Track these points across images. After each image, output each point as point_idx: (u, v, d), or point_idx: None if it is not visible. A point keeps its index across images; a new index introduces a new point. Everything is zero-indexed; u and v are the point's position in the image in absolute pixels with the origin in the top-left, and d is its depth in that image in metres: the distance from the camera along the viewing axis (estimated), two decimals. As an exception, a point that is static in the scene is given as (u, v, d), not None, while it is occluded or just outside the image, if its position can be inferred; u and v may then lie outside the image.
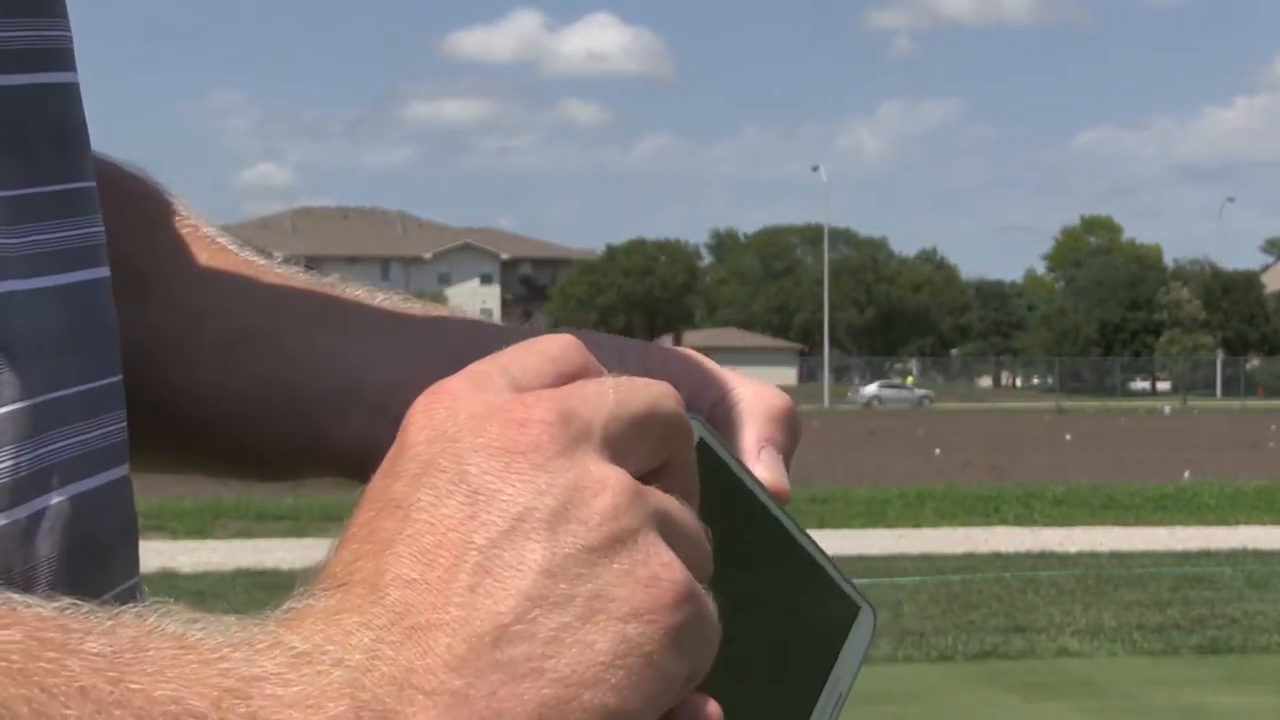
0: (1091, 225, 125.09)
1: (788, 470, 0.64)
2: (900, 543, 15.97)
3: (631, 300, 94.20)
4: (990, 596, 12.22)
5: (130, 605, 0.46)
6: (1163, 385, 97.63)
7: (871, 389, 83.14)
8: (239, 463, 0.77)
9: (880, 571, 13.31)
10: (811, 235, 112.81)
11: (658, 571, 0.47)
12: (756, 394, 0.66)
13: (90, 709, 0.42)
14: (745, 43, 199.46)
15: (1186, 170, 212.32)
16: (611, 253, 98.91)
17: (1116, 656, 10.05)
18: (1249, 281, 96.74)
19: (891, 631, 10.44)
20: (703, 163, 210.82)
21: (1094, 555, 15.03)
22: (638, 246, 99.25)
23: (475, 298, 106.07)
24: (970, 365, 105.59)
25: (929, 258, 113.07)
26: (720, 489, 0.56)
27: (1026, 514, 18.93)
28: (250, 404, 0.74)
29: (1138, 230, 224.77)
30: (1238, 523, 18.19)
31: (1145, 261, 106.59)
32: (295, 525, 17.01)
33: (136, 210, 0.77)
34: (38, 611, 0.45)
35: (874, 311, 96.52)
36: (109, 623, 0.45)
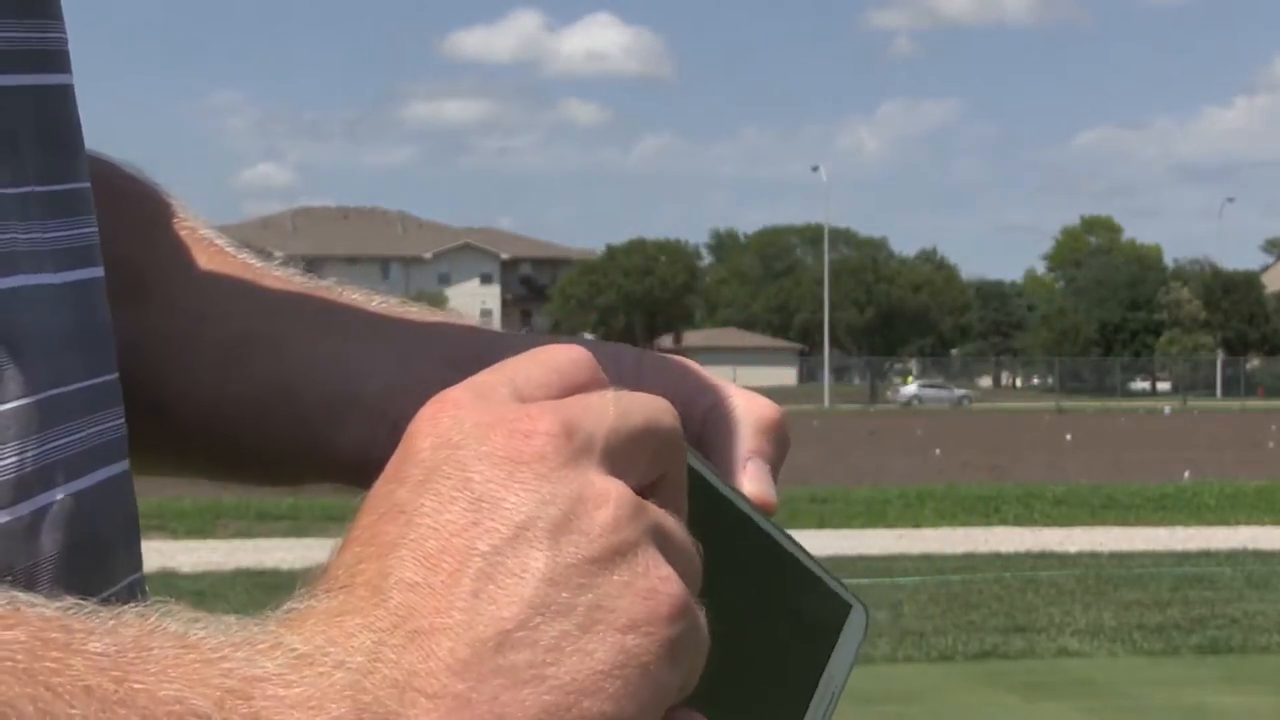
0: (1091, 225, 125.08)
1: (775, 480, 0.65)
2: (900, 543, 15.97)
3: (631, 300, 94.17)
4: (990, 596, 12.23)
5: (132, 604, 0.46)
6: (1163, 385, 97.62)
7: (911, 389, 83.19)
8: (237, 467, 0.77)
9: (880, 571, 13.31)
10: (811, 235, 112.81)
11: (656, 585, 0.48)
12: (748, 404, 0.66)
13: (95, 708, 0.43)
14: (745, 43, 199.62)
15: (1186, 170, 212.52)
16: (611, 253, 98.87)
17: (1116, 656, 10.05)
18: (1249, 281, 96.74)
19: (891, 631, 10.45)
20: (703, 163, 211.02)
21: (1094, 555, 15.03)
22: (638, 246, 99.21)
23: (475, 298, 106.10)
24: (970, 365, 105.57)
25: (929, 258, 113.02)
26: (701, 501, 0.56)
27: (1026, 514, 18.94)
28: (249, 408, 0.74)
29: (1138, 230, 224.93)
30: (1238, 523, 18.19)
31: (1145, 261, 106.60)
32: (295, 525, 17.02)
33: (135, 211, 0.77)
34: (41, 612, 0.45)
35: (874, 311, 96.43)
36: (111, 622, 0.45)
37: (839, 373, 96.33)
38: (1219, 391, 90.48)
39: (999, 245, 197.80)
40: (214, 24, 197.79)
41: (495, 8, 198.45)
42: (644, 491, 0.51)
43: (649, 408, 0.52)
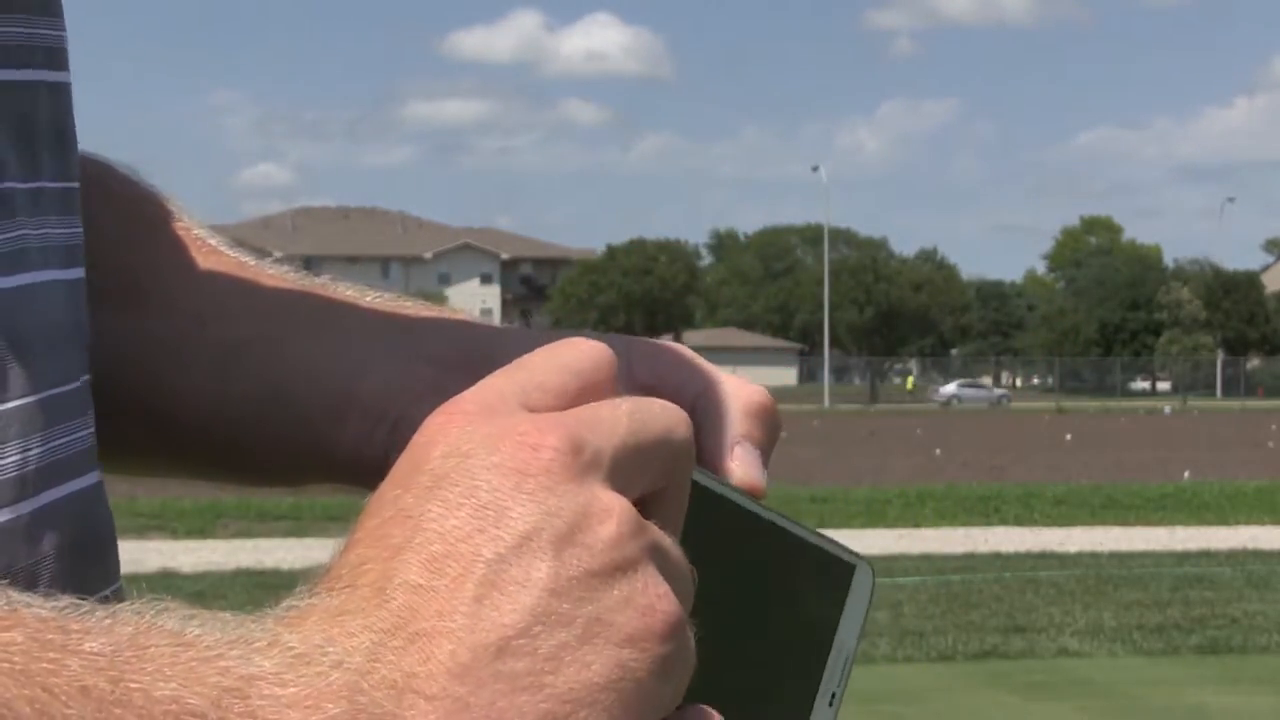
0: (1091, 225, 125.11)
1: (766, 466, 0.65)
2: (900, 543, 15.97)
3: (631, 300, 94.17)
4: (990, 596, 12.22)
5: (128, 602, 0.46)
6: (1163, 385, 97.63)
7: (950, 388, 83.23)
8: (237, 468, 0.77)
9: (880, 571, 13.03)
10: (811, 235, 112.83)
11: (654, 602, 0.48)
12: (737, 389, 0.67)
13: (91, 708, 0.43)
14: (745, 43, 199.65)
15: (1186, 170, 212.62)
16: (611, 253, 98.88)
17: (1116, 656, 10.05)
18: (1249, 281, 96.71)
19: (891, 631, 10.45)
20: (703, 163, 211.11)
21: (1094, 555, 15.03)
22: (638, 246, 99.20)
23: (475, 298, 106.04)
24: (970, 365, 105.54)
25: (929, 258, 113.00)
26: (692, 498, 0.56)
27: (1026, 514, 18.93)
28: (248, 409, 0.74)
29: (1138, 230, 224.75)
30: (1238, 523, 18.19)
31: (1145, 261, 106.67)
32: (296, 525, 17.02)
33: (133, 213, 0.78)
34: (38, 612, 0.45)
35: (874, 311, 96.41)
36: (108, 621, 0.45)
37: (839, 373, 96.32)
38: (1219, 391, 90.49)
39: (999, 245, 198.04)
40: (214, 24, 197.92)
41: (495, 8, 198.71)
42: (647, 500, 0.51)
43: (663, 420, 0.52)
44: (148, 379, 0.74)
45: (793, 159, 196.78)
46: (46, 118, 0.62)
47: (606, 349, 0.54)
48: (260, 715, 0.44)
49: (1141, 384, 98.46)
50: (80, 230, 0.64)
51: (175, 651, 0.45)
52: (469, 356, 0.72)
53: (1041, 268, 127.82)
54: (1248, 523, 18.16)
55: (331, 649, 0.45)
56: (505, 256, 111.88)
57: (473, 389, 0.51)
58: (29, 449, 0.56)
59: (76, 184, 0.64)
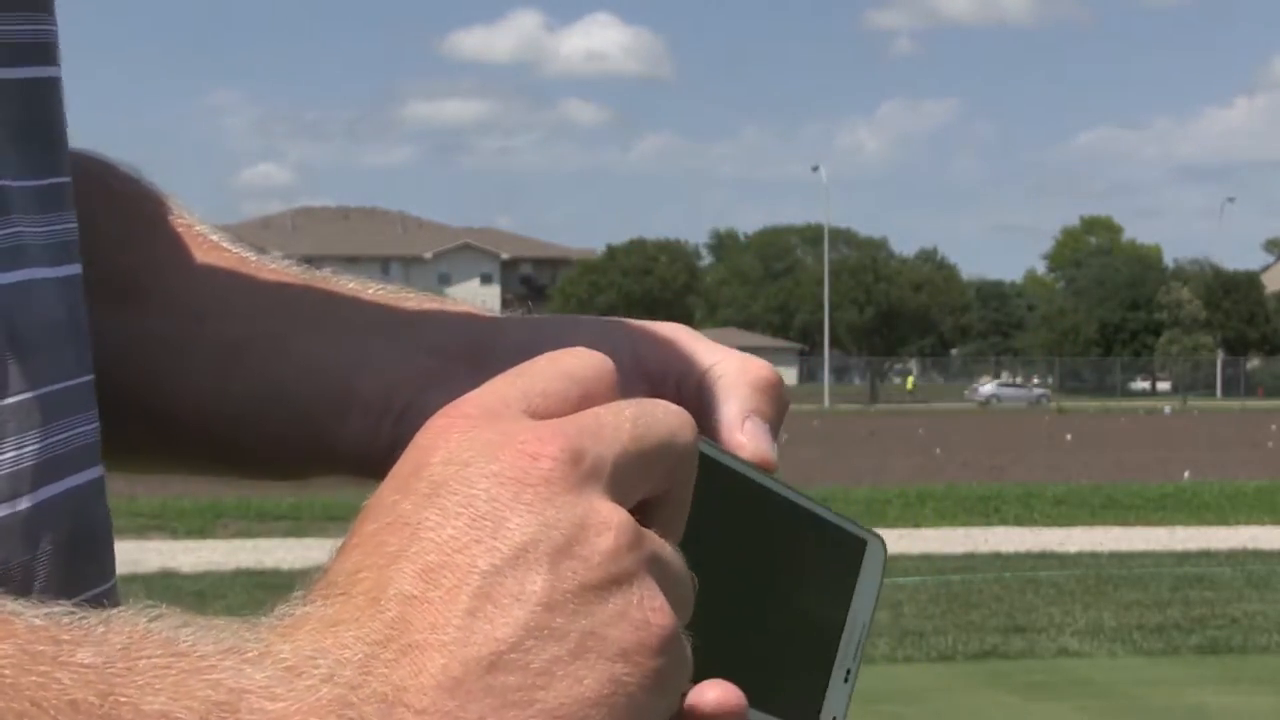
0: (1091, 225, 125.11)
1: (775, 440, 0.65)
2: (900, 543, 15.96)
3: (631, 300, 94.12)
4: (990, 596, 12.23)
5: (123, 608, 0.46)
6: (1163, 385, 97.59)
7: (990, 387, 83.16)
8: (238, 463, 0.77)
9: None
10: (811, 235, 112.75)
11: (649, 616, 0.48)
12: (742, 365, 0.67)
13: None
14: (745, 43, 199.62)
15: (1186, 170, 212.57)
16: (611, 253, 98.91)
17: (1116, 656, 10.05)
18: (1249, 281, 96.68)
19: (891, 631, 10.45)
20: (703, 163, 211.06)
21: (1094, 555, 15.03)
22: (638, 246, 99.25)
23: (475, 298, 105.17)
24: (970, 365, 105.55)
25: (929, 258, 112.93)
26: (701, 475, 0.56)
27: (1026, 514, 18.94)
28: (249, 405, 0.73)
29: (1138, 230, 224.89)
30: (1238, 523, 18.19)
31: (1145, 261, 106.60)
32: (295, 525, 17.02)
33: (134, 211, 0.77)
34: (30, 622, 0.45)
35: (874, 311, 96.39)
36: (101, 629, 0.45)
37: (839, 373, 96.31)
38: (1219, 391, 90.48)
39: (999, 245, 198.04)
40: (213, 24, 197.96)
41: (495, 8, 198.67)
42: (650, 503, 0.51)
43: (666, 425, 0.52)
44: (147, 376, 0.74)
45: (793, 159, 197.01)
46: (33, 114, 0.61)
47: (607, 358, 0.54)
48: None
49: (1141, 384, 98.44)
50: (74, 226, 0.64)
51: (167, 662, 0.44)
52: (471, 347, 0.72)
53: (1041, 268, 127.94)
54: (1248, 523, 18.16)
55: (323, 661, 0.45)
56: (505, 256, 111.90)
57: (475, 392, 0.51)
58: (25, 445, 0.57)
59: (68, 179, 0.64)
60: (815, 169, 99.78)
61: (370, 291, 0.77)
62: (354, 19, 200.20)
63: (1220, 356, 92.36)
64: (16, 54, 0.61)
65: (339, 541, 0.49)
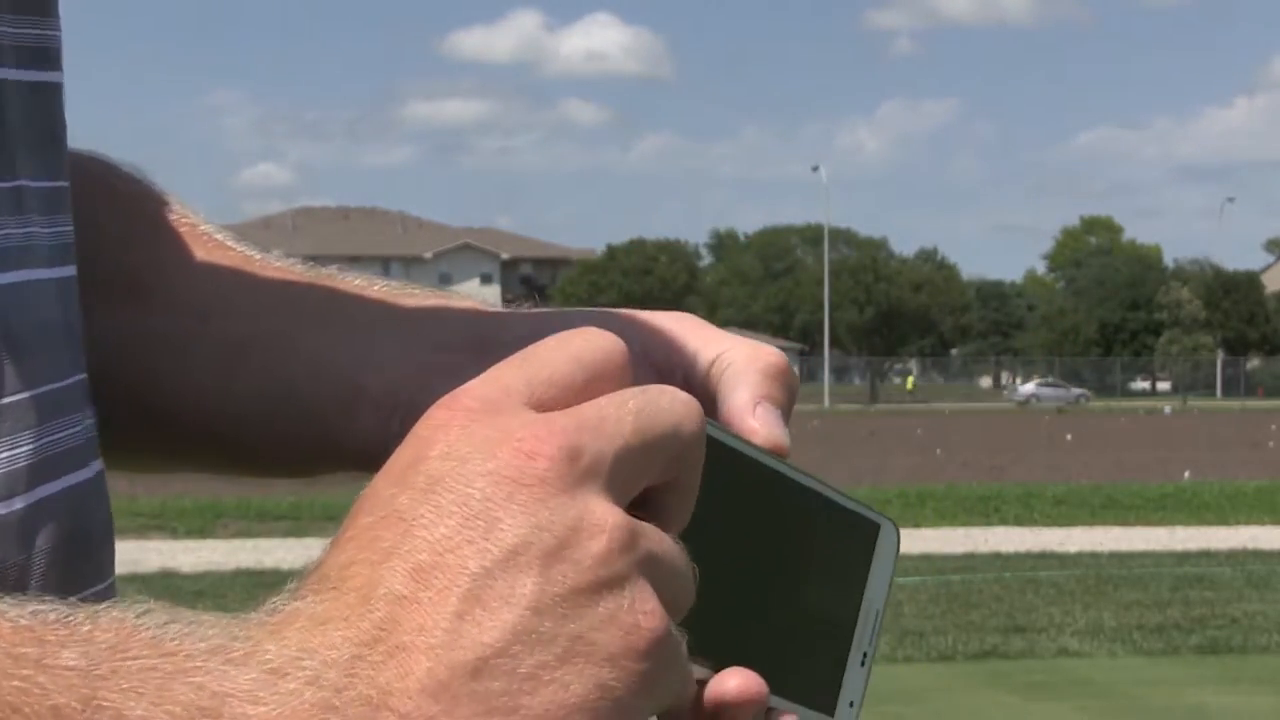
0: (1091, 225, 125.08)
1: (786, 425, 0.65)
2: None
3: (631, 300, 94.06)
4: (990, 596, 12.23)
5: (110, 604, 0.46)
6: (1163, 385, 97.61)
7: (1029, 387, 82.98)
8: (242, 461, 0.77)
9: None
10: (811, 235, 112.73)
11: (639, 620, 0.47)
12: (752, 353, 0.67)
13: None
14: (745, 43, 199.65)
15: (1186, 170, 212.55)
16: (611, 253, 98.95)
17: (1116, 656, 10.05)
18: (1249, 281, 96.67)
19: (891, 631, 10.44)
20: (703, 163, 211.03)
21: (1094, 555, 15.04)
22: (638, 246, 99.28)
23: (475, 297, 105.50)
24: (970, 365, 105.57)
25: (929, 258, 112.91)
26: (710, 460, 0.56)
27: (1026, 514, 18.95)
28: (254, 405, 0.73)
29: (1138, 230, 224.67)
30: (1238, 523, 18.20)
31: (1145, 261, 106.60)
32: (295, 525, 17.02)
33: (136, 211, 0.77)
34: (16, 622, 0.45)
35: (874, 311, 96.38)
36: (87, 628, 0.45)
37: (839, 373, 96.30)
38: (1219, 391, 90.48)
39: (999, 245, 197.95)
40: (213, 23, 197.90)
41: (495, 8, 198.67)
42: (654, 492, 0.51)
43: (671, 414, 0.51)
44: (150, 375, 0.74)
45: (793, 159, 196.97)
46: (28, 117, 0.61)
47: (618, 339, 0.53)
48: None
49: (1141, 384, 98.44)
50: (70, 229, 0.64)
51: (153, 663, 0.44)
52: (476, 341, 0.72)
53: (1041, 268, 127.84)
54: (1248, 523, 18.17)
55: (309, 662, 0.45)
56: (505, 256, 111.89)
57: (478, 380, 0.50)
58: (20, 445, 0.57)
59: (66, 183, 0.64)
60: (815, 169, 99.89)
61: (374, 288, 0.77)
62: (354, 19, 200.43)
63: (1220, 356, 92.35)
64: (28, 57, 0.61)
65: (336, 536, 0.49)
